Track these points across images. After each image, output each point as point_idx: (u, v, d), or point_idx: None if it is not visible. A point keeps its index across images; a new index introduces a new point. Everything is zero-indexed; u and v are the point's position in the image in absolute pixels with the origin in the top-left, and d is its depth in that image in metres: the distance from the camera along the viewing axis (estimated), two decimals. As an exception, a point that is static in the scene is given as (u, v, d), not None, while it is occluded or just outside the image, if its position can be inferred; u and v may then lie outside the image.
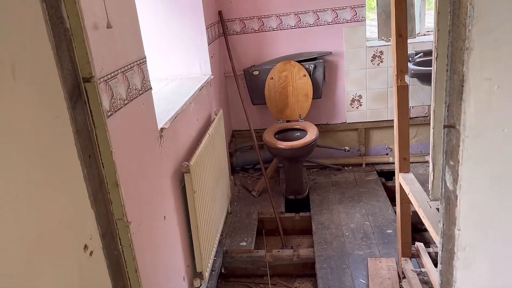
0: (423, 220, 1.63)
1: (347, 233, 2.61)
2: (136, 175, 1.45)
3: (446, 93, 0.99)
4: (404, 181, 1.91)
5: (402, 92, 1.85)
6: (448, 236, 1.08)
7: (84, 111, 1.14)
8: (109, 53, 1.30)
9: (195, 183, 1.92)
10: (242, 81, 3.38)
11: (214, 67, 2.92)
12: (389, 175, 3.37)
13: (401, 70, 1.84)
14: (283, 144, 2.83)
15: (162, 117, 1.83)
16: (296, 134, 3.14)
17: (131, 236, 1.19)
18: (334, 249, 2.46)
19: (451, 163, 1.01)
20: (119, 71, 1.36)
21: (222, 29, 3.24)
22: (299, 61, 3.21)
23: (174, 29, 2.68)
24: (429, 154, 3.43)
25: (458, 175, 0.98)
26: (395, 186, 3.29)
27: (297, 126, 3.16)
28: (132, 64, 1.46)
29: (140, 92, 1.52)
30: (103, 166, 1.19)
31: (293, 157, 2.91)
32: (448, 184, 1.04)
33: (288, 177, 3.10)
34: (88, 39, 1.10)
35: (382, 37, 3.32)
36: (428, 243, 2.64)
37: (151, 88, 1.62)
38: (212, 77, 2.78)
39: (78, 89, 1.13)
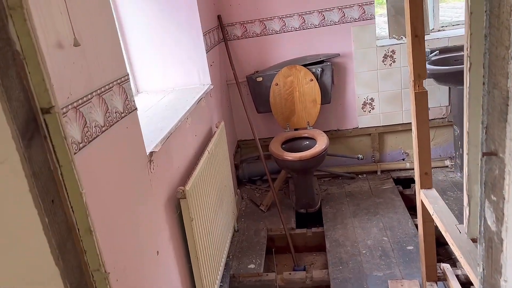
0: (451, 247, 1.42)
1: (364, 251, 2.40)
2: (120, 210, 1.26)
3: (483, 111, 0.79)
4: (426, 198, 1.69)
5: (421, 99, 1.64)
6: (491, 286, 0.87)
7: (44, 149, 0.96)
8: (79, 74, 1.12)
9: (193, 209, 1.74)
10: (245, 89, 3.19)
11: (214, 76, 2.73)
12: (407, 182, 3.14)
13: (419, 74, 1.63)
14: (290, 156, 2.63)
15: (153, 138, 1.65)
16: (305, 143, 2.94)
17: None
18: (350, 270, 2.26)
19: (493, 198, 0.80)
20: (94, 94, 1.18)
21: (222, 34, 3.05)
22: (305, 65, 3.01)
23: (169, 37, 2.50)
24: (449, 158, 3.20)
25: (503, 214, 0.78)
26: (413, 194, 3.08)
27: (306, 135, 2.96)
28: (110, 84, 1.28)
29: (123, 114, 1.34)
30: (72, 211, 1.01)
31: (302, 169, 2.71)
32: (489, 223, 0.83)
33: (298, 190, 2.90)
34: (45, 62, 0.91)
35: (394, 36, 3.10)
36: (453, 258, 2.42)
37: (135, 109, 1.43)
38: (212, 86, 2.59)
39: (35, 122, 0.95)
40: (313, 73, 2.99)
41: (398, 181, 3.17)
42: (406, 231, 2.52)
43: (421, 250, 1.89)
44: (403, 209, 2.76)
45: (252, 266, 2.41)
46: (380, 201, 2.89)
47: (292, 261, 2.62)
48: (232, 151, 3.14)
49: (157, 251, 1.50)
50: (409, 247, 2.37)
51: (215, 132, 2.41)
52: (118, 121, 1.31)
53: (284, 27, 3.06)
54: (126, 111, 1.37)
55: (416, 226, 2.54)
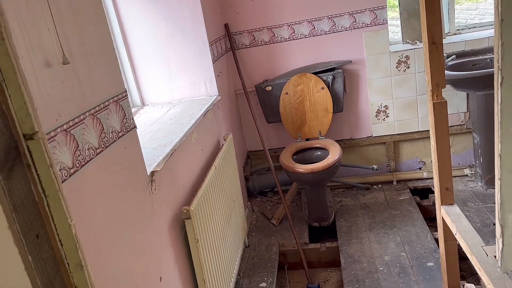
0: (478, 272, 1.30)
1: (381, 268, 2.28)
2: (117, 238, 1.18)
3: (518, 132, 0.68)
4: (448, 216, 1.57)
5: (440, 109, 1.53)
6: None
7: (26, 179, 0.88)
8: (70, 94, 1.04)
9: (199, 230, 1.64)
10: (254, 98, 3.10)
11: (222, 86, 2.65)
12: (424, 192, 3.01)
13: (437, 84, 1.52)
14: (302, 168, 2.53)
15: (156, 156, 1.57)
16: (317, 154, 2.84)
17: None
18: (367, 289, 2.14)
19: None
20: (87, 114, 1.10)
21: (229, 43, 2.97)
22: (315, 73, 2.91)
23: (175, 48, 2.43)
24: (468, 167, 3.06)
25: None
26: (431, 205, 2.95)
27: (318, 145, 2.85)
28: (106, 103, 1.20)
29: (120, 134, 1.26)
30: (61, 244, 0.93)
31: (314, 182, 2.61)
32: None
33: (310, 202, 2.79)
34: (27, 83, 0.83)
35: (407, 40, 2.99)
36: (476, 274, 2.28)
37: (135, 126, 1.35)
38: (220, 98, 2.51)
39: (16, 150, 0.87)
40: (324, 81, 2.89)
41: (415, 192, 3.04)
42: (425, 246, 2.39)
43: (443, 270, 1.77)
44: (421, 222, 2.63)
45: (263, 284, 2.31)
46: (396, 213, 2.77)
47: (305, 278, 2.51)
48: (242, 163, 3.05)
49: (160, 277, 1.41)
50: (429, 264, 2.24)
51: (223, 145, 2.32)
52: (115, 141, 1.22)
53: (293, 34, 2.97)
54: (124, 130, 1.29)
55: (436, 240, 2.42)
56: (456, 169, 3.08)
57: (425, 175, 3.11)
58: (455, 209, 1.60)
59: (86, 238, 1.01)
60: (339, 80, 2.91)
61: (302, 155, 2.83)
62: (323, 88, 2.88)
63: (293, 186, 3.01)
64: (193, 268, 1.66)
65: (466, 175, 3.04)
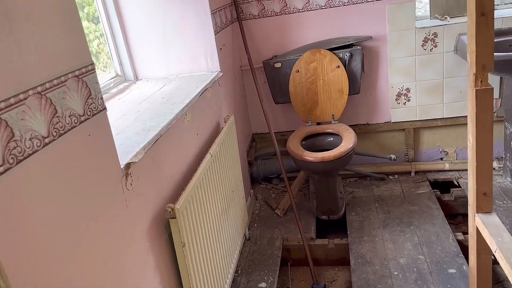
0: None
1: (395, 272, 2.03)
2: (69, 250, 0.93)
3: None
4: (485, 227, 1.30)
5: (484, 98, 1.25)
6: None
7: None
8: (5, 66, 0.77)
9: (187, 230, 1.40)
10: (261, 76, 2.81)
11: (225, 61, 2.37)
12: (445, 186, 2.73)
13: (483, 66, 1.22)
14: (311, 156, 2.26)
15: (136, 143, 1.31)
16: (329, 140, 2.56)
17: None
18: (379, 297, 1.89)
19: None
20: (31, 92, 0.84)
21: (235, 12, 2.67)
22: (331, 49, 2.60)
23: (173, 17, 2.15)
24: (496, 159, 2.76)
25: None
26: (453, 201, 2.67)
27: (330, 130, 2.57)
28: (62, 78, 0.94)
29: (82, 118, 1.00)
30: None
31: (324, 172, 2.34)
32: None
33: (319, 193, 2.52)
34: None
35: (436, 15, 2.65)
36: (502, 281, 2.03)
37: (104, 109, 1.09)
38: (221, 74, 2.23)
39: None
40: (340, 58, 2.58)
41: (435, 184, 2.76)
42: (447, 249, 2.12)
43: (471, 285, 1.51)
44: (442, 220, 2.36)
45: (263, 284, 2.08)
46: (414, 209, 2.50)
47: (310, 277, 2.27)
48: (246, 147, 2.79)
49: (134, 291, 1.17)
50: (450, 270, 1.98)
51: (222, 128, 2.05)
52: (74, 127, 0.96)
53: (307, 4, 2.65)
54: (89, 113, 1.02)
55: (459, 242, 2.16)
56: (482, 161, 2.78)
57: (447, 166, 2.82)
58: (494, 219, 1.33)
59: (22, 253, 0.77)
60: (357, 58, 2.60)
61: (312, 141, 2.56)
62: (338, 66, 2.58)
63: (300, 173, 2.75)
64: (179, 274, 1.42)
65: (494, 169, 2.74)
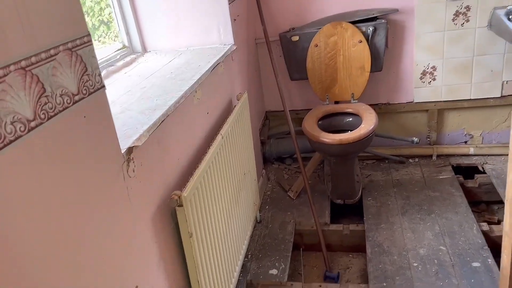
0: None
1: (415, 264, 1.91)
2: (63, 248, 0.83)
3: None
4: (525, 226, 1.17)
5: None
6: None
7: None
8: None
9: (194, 219, 1.29)
10: (277, 49, 2.64)
11: (239, 33, 2.21)
12: (469, 171, 2.58)
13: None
14: (328, 138, 2.12)
15: (140, 123, 1.19)
16: (347, 120, 2.41)
17: None
18: (397, 290, 1.79)
19: None
20: (12, 68, 0.71)
21: (251, -19, 2.48)
22: (353, 22, 2.41)
23: (184, -18, 1.98)
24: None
25: None
26: (477, 188, 2.52)
27: (349, 110, 2.42)
28: (52, 51, 0.81)
29: (76, 98, 0.87)
30: None
31: (342, 155, 2.20)
32: None
33: (334, 176, 2.40)
34: None
35: (470, -14, 2.43)
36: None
37: (102, 87, 0.96)
38: (235, 47, 2.08)
39: None
40: (363, 32, 2.40)
41: (458, 170, 2.61)
42: (470, 240, 2.00)
43: (502, 287, 1.39)
44: (465, 208, 2.22)
45: (274, 271, 1.99)
46: (435, 195, 2.36)
47: (323, 263, 2.17)
48: (259, 125, 2.66)
49: (136, 286, 1.07)
50: (474, 264, 1.86)
51: (235, 106, 1.91)
52: (66, 108, 0.84)
53: (329, -27, 2.45)
54: (84, 92, 0.89)
55: (484, 233, 2.03)
56: (507, 147, 2.61)
57: (471, 151, 2.66)
58: (536, 218, 1.19)
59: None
60: (381, 33, 2.42)
61: (330, 121, 2.41)
62: (361, 41, 2.40)
63: (315, 155, 2.62)
64: (185, 265, 1.32)
65: (522, 155, 2.57)
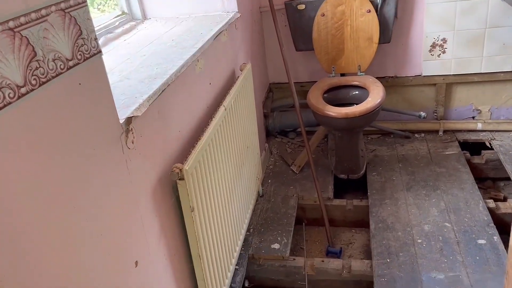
0: None
1: (419, 240, 1.89)
2: (59, 223, 0.79)
3: None
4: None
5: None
6: None
7: None
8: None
9: (196, 193, 1.25)
10: (282, 19, 2.55)
11: (243, 1, 2.11)
12: (476, 147, 2.53)
13: None
14: (334, 111, 2.06)
15: (139, 92, 1.13)
16: (354, 93, 2.34)
17: None
18: (401, 266, 1.77)
19: None
20: (-1, 28, 0.65)
21: None
22: (362, -9, 2.32)
23: None
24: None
25: None
26: (483, 164, 2.48)
27: (355, 83, 2.34)
28: (43, 12, 0.74)
29: (70, 63, 0.81)
30: None
31: (347, 129, 2.15)
32: None
33: (339, 150, 2.35)
34: None
35: (486, -46, 2.32)
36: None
37: (98, 52, 0.89)
38: (239, 15, 1.99)
39: None
40: (371, 2, 2.30)
41: (464, 145, 2.56)
42: (476, 217, 1.96)
43: (510, 265, 1.36)
44: (471, 185, 2.18)
45: (276, 246, 1.97)
46: (441, 171, 2.32)
47: (325, 238, 2.15)
48: (262, 98, 2.59)
49: (136, 262, 1.04)
50: (480, 241, 1.83)
51: (238, 77, 1.85)
52: (60, 74, 0.78)
53: None
54: (79, 57, 0.83)
55: (490, 210, 2.00)
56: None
57: (479, 126, 2.60)
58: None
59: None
60: (391, 2, 2.32)
61: (335, 93, 2.34)
62: (369, 11, 2.30)
63: (320, 128, 2.56)
64: (186, 239, 1.29)
65: (530, 131, 2.52)
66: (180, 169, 1.16)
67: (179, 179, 1.17)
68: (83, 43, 0.85)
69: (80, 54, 0.84)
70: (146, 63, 1.38)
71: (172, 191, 1.23)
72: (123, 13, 1.97)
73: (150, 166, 1.13)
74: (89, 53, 0.87)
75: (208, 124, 1.42)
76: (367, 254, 2.01)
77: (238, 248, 1.79)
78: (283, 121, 2.71)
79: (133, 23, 1.95)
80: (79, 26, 0.84)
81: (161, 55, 1.44)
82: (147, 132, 1.11)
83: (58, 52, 0.78)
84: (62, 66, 0.79)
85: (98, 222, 0.90)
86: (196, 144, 1.29)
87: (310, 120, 2.42)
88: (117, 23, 1.86)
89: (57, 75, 0.78)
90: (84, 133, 0.85)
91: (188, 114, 1.41)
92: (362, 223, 2.19)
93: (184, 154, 1.31)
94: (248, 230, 2.05)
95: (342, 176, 2.38)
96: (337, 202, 2.23)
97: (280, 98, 2.82)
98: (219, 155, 1.48)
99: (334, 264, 1.85)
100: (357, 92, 2.32)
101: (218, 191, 1.47)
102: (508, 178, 2.27)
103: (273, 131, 2.76)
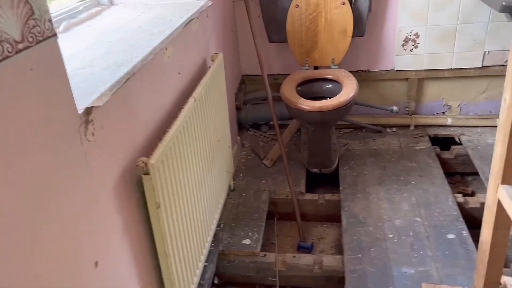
0: None
1: (390, 235, 1.89)
2: (10, 220, 0.71)
3: None
4: (510, 198, 1.12)
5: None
6: None
7: None
8: None
9: (162, 189, 1.18)
10: (256, 9, 2.49)
11: (215, -11, 2.04)
12: (446, 142, 2.56)
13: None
14: (307, 105, 2.02)
15: (102, 80, 1.05)
16: (327, 87, 2.32)
17: None
18: (372, 262, 1.76)
19: None
20: None
21: None
22: (337, -18, 2.28)
23: None
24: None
25: None
26: (453, 159, 2.50)
27: (329, 76, 2.32)
28: (-14, -14, 0.66)
29: (20, 46, 0.73)
30: None
31: (321, 122, 2.12)
32: None
33: (311, 144, 2.32)
34: None
35: (459, -51, 2.32)
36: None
37: (53, 35, 0.81)
38: (210, 3, 1.92)
39: None
40: (346, -6, 2.28)
41: (435, 140, 2.58)
42: (446, 212, 1.98)
43: (480, 261, 1.36)
44: (441, 180, 2.20)
45: (247, 241, 1.92)
46: (412, 166, 2.33)
47: (297, 233, 2.13)
48: (234, 90, 2.53)
49: (96, 262, 0.97)
50: (449, 236, 1.85)
51: (209, 67, 1.78)
52: (7, 57, 0.70)
53: None
54: (30, 40, 0.75)
55: (459, 204, 2.02)
56: (486, 118, 2.61)
57: (449, 121, 2.63)
58: (522, 192, 1.15)
59: None
60: (365, -5, 2.30)
61: (309, 86, 2.31)
62: (344, 3, 2.27)
63: (292, 122, 2.53)
64: (152, 237, 1.22)
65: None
66: (146, 163, 1.09)
67: (145, 174, 1.11)
68: (35, 24, 0.77)
69: (31, 37, 0.76)
70: (112, 49, 1.30)
71: (137, 187, 1.16)
72: (88, -3, 1.86)
73: (113, 160, 1.06)
74: (42, 36, 0.78)
75: (177, 116, 1.35)
76: (339, 249, 2.00)
77: (207, 245, 1.74)
78: (255, 114, 2.66)
79: (99, 8, 1.84)
80: (31, 5, 0.75)
81: (128, 42, 1.36)
82: (109, 124, 1.04)
83: (5, 33, 0.70)
84: (10, 49, 0.71)
85: (53, 222, 0.82)
86: (164, 137, 1.23)
87: (283, 113, 2.38)
88: (81, 8, 1.75)
89: (3, 59, 0.69)
90: (36, 123, 0.77)
91: (155, 105, 1.33)
92: (334, 217, 2.18)
93: (151, 147, 1.24)
94: (218, 225, 2.00)
95: (315, 170, 2.35)
96: (309, 196, 2.21)
97: (253, 91, 2.77)
98: (188, 148, 1.42)
99: (305, 259, 1.82)
100: (330, 86, 2.30)
101: (187, 186, 1.41)
102: (476, 173, 2.30)
103: (246, 124, 2.71)
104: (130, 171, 1.13)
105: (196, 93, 1.50)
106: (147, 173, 1.11)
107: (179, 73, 1.54)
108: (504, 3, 2.00)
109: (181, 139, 1.34)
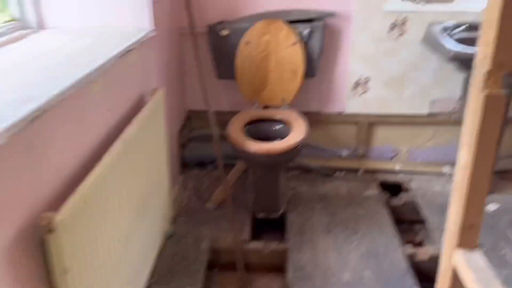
0: None
1: (338, 291, 1.75)
2: None
3: None
4: (467, 268, 1.03)
5: (494, 107, 0.94)
6: None
7: None
8: None
9: (73, 248, 0.98)
10: (204, 43, 2.37)
11: (159, 18, 1.90)
12: (395, 189, 2.51)
13: (501, 64, 0.91)
14: (255, 147, 1.90)
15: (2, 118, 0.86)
16: (276, 128, 2.21)
17: None
18: (318, 323, 1.61)
19: None
20: None
21: (180, -38, 2.19)
22: (289, 22, 2.22)
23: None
24: (448, 164, 2.57)
25: None
26: (401, 206, 2.45)
27: (279, 117, 2.22)
28: None
29: None
30: None
31: (268, 166, 1.99)
32: None
33: (258, 188, 2.19)
34: None
35: (409, -2, 2.35)
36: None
37: None
38: (154, 34, 1.77)
39: None
40: (299, 33, 2.21)
41: (383, 186, 2.52)
42: (395, 264, 1.89)
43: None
44: (390, 228, 2.12)
45: (182, 298, 1.72)
46: (361, 213, 2.24)
47: (239, 284, 1.95)
48: (178, 126, 2.36)
49: None
50: (399, 292, 1.74)
51: (147, 103, 1.61)
52: None
53: (267, -35, 2.23)
54: None
55: (408, 257, 1.94)
56: (433, 165, 2.60)
57: (397, 167, 2.60)
58: (478, 259, 1.05)
59: None
60: (318, 36, 2.25)
61: (258, 126, 2.19)
62: (295, 43, 2.21)
63: (240, 163, 2.39)
64: (60, 306, 1.00)
65: (445, 174, 2.56)
66: (50, 221, 0.89)
67: (48, 232, 0.91)
68: None
69: None
70: (24, 80, 1.11)
71: (38, 249, 0.95)
72: (13, 19, 1.66)
73: (6, 217, 0.85)
74: None
75: (101, 160, 1.17)
76: (284, 305, 1.84)
77: (135, 303, 1.52)
78: (201, 152, 2.50)
79: (24, 32, 1.64)
80: None
81: (47, 73, 1.17)
82: (4, 174, 0.84)
83: None
84: None
85: None
86: (80, 185, 1.04)
87: (231, 152, 2.23)
88: (1, 30, 1.55)
89: None
90: None
91: (74, 148, 1.14)
92: (280, 268, 2.02)
93: (63, 199, 1.04)
94: (152, 275, 1.78)
95: (261, 215, 2.21)
96: (254, 245, 2.05)
97: (200, 127, 2.61)
98: (112, 197, 1.22)
99: (246, 319, 1.64)
100: (279, 127, 2.19)
101: (108, 242, 1.21)
102: (423, 222, 2.25)
103: (191, 163, 2.53)
104: (30, 230, 0.92)
105: (126, 133, 1.32)
106: (51, 231, 0.91)
107: (108, 109, 1.36)
108: (452, 53, 2.02)
109: (104, 187, 1.15)
